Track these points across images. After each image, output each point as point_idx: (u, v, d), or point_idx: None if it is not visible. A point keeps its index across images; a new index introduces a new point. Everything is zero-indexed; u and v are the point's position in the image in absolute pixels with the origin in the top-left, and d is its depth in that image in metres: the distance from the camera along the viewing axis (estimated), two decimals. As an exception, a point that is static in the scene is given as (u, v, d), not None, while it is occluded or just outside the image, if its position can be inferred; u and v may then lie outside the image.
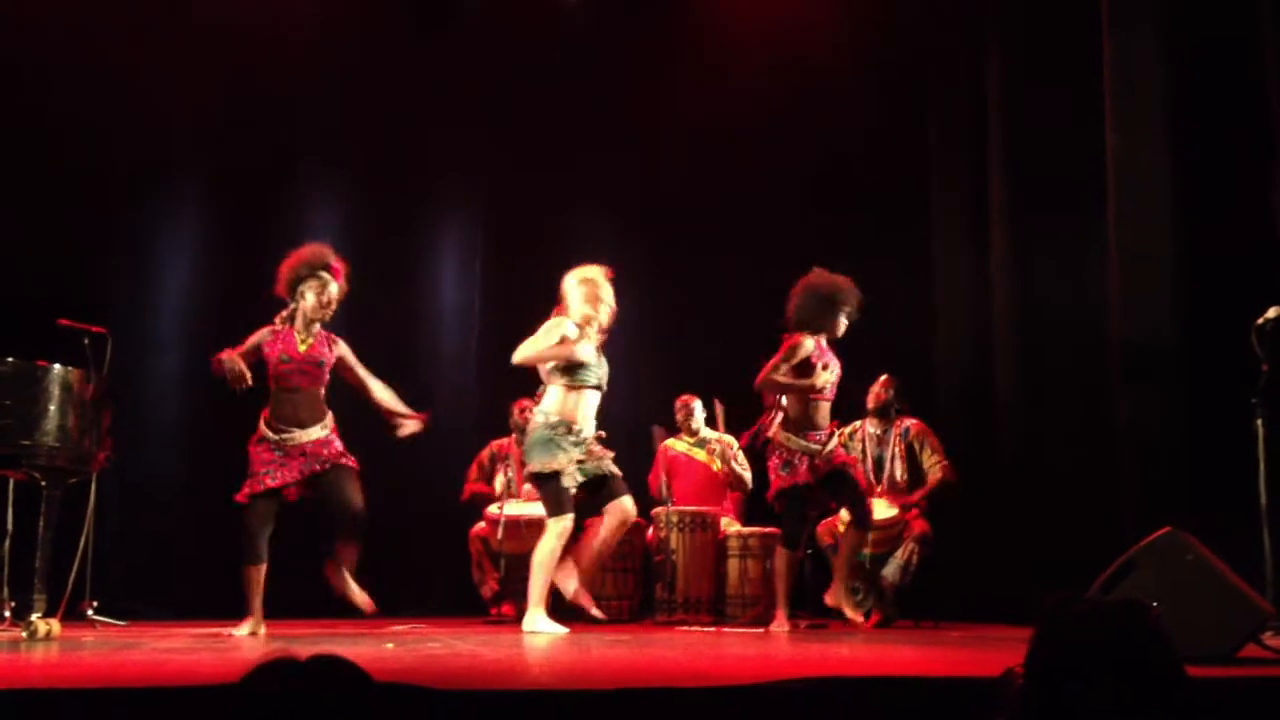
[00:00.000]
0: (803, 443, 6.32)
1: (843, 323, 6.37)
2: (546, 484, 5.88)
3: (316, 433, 5.94)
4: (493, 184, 8.92)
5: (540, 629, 5.80)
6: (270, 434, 5.91)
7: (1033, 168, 7.35)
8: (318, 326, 6.04)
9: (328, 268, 6.02)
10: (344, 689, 1.71)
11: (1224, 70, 6.13)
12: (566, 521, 5.84)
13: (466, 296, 8.89)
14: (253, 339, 5.98)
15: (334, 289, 6.02)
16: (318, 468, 5.87)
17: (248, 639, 5.59)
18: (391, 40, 8.72)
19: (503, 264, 8.78)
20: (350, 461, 5.97)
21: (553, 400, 5.99)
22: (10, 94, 7.72)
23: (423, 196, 8.87)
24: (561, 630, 5.80)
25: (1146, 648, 1.90)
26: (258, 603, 5.86)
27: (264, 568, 5.86)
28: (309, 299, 5.99)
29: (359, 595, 5.97)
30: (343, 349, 6.10)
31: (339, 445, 5.99)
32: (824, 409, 6.39)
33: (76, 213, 7.80)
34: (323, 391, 6.04)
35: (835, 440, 6.45)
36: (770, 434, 6.39)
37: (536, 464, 5.88)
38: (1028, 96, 7.42)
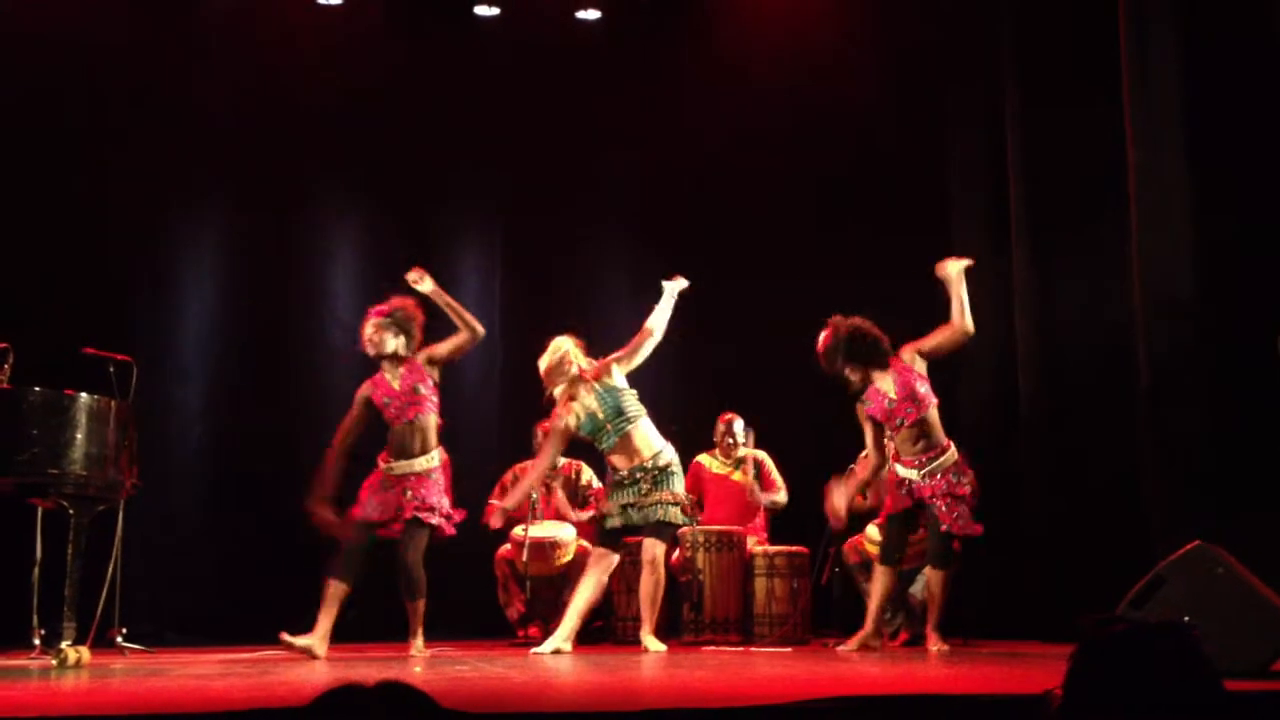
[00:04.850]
0: (900, 469, 6.32)
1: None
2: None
3: (421, 464, 6.18)
4: (511, 205, 8.94)
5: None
6: (383, 466, 6.17)
7: (1053, 181, 7.30)
8: (398, 364, 6.25)
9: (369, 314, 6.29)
10: (412, 715, 1.72)
11: (1245, 80, 6.11)
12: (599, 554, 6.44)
13: (486, 317, 8.88)
14: (358, 398, 6.27)
15: (367, 328, 6.25)
16: (407, 514, 6.10)
17: (303, 658, 5.71)
18: (410, 66, 8.74)
19: (522, 284, 8.79)
20: (428, 518, 6.13)
21: None
22: (36, 125, 7.78)
23: (441, 219, 8.88)
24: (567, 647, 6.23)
25: (1188, 669, 1.88)
26: (324, 620, 5.97)
27: (343, 587, 5.99)
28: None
29: (418, 645, 6.21)
30: (423, 363, 6.28)
31: (432, 493, 6.16)
32: (901, 438, 6.33)
33: (100, 242, 7.85)
34: (433, 419, 6.25)
35: (922, 470, 6.25)
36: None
37: None
38: (1046, 109, 7.38)
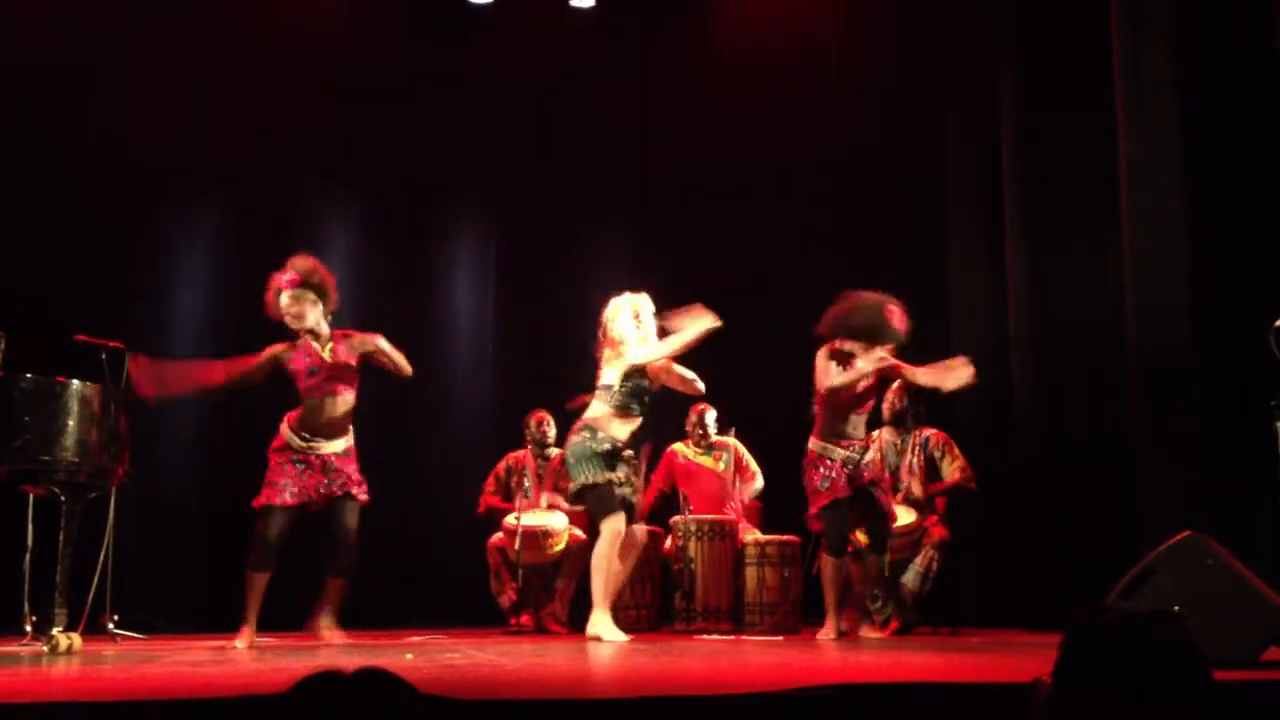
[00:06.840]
0: (841, 451, 6.33)
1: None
2: (595, 491, 6.00)
3: (339, 445, 6.06)
4: (507, 195, 8.93)
5: (603, 634, 5.88)
6: (295, 441, 6.03)
7: (1047, 176, 7.32)
8: (325, 331, 6.12)
9: (279, 286, 6.09)
10: (391, 702, 1.72)
11: (1237, 74, 6.12)
12: (618, 522, 5.95)
13: (481, 307, 8.89)
14: (269, 352, 6.09)
15: (283, 299, 6.05)
16: (336, 491, 6.01)
17: (246, 652, 5.54)
18: (407, 56, 8.74)
19: (517, 274, 8.79)
20: (362, 493, 6.06)
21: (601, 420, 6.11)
22: (29, 114, 7.75)
23: (436, 212, 8.88)
24: (622, 637, 5.88)
25: (1178, 658, 1.89)
26: (253, 613, 5.90)
27: (268, 577, 5.93)
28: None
29: (330, 633, 6.06)
30: (356, 341, 6.15)
31: (355, 470, 6.09)
32: (855, 419, 6.39)
33: (94, 229, 7.82)
34: (354, 397, 6.13)
35: (871, 453, 6.46)
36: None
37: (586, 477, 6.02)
38: (1041, 106, 7.39)
